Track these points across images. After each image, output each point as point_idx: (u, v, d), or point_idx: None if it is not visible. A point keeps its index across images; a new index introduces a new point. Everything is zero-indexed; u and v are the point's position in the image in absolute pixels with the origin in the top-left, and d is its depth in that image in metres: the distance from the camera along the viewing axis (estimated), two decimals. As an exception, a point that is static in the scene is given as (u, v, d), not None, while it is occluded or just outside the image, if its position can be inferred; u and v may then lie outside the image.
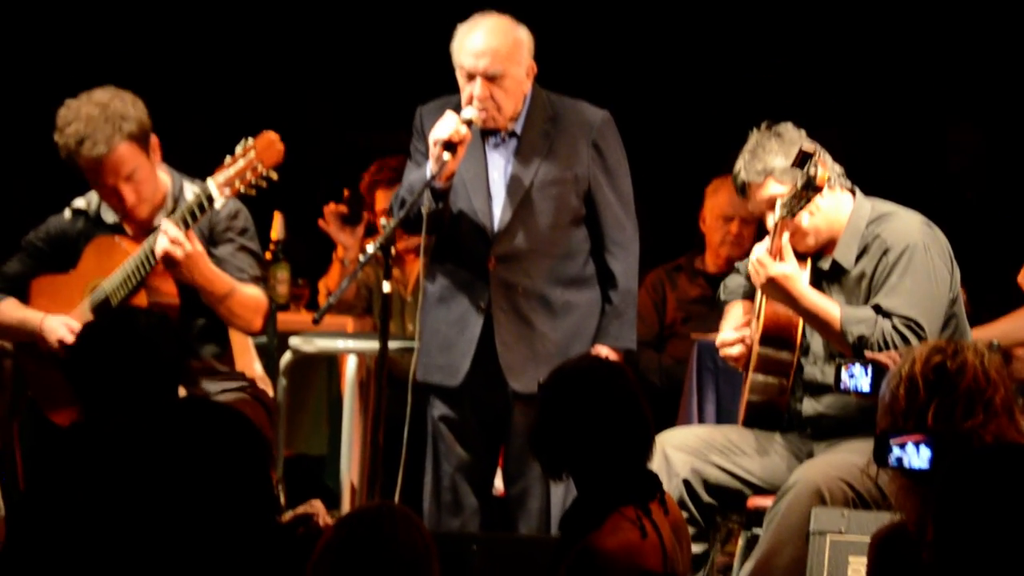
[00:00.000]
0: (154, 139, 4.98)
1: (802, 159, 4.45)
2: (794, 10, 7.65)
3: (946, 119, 7.56)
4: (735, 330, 4.87)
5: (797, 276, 4.57)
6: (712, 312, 5.98)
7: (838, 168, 4.74)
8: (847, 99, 7.62)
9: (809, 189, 4.43)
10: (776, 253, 4.56)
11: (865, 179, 4.88)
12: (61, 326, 4.92)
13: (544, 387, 3.73)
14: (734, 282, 5.02)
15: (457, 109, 5.03)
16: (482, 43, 4.98)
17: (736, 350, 4.84)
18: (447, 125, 4.89)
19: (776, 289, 4.58)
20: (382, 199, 6.68)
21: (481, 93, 4.96)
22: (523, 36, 5.05)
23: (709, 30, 7.76)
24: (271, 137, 4.80)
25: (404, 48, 7.56)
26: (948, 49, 7.44)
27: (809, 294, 4.59)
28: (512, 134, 5.11)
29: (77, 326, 4.88)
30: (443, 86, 5.11)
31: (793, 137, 4.68)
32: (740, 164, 4.74)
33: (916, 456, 3.04)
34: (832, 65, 7.65)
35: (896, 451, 3.06)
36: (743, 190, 4.76)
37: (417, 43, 5.43)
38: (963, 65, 7.43)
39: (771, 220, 4.65)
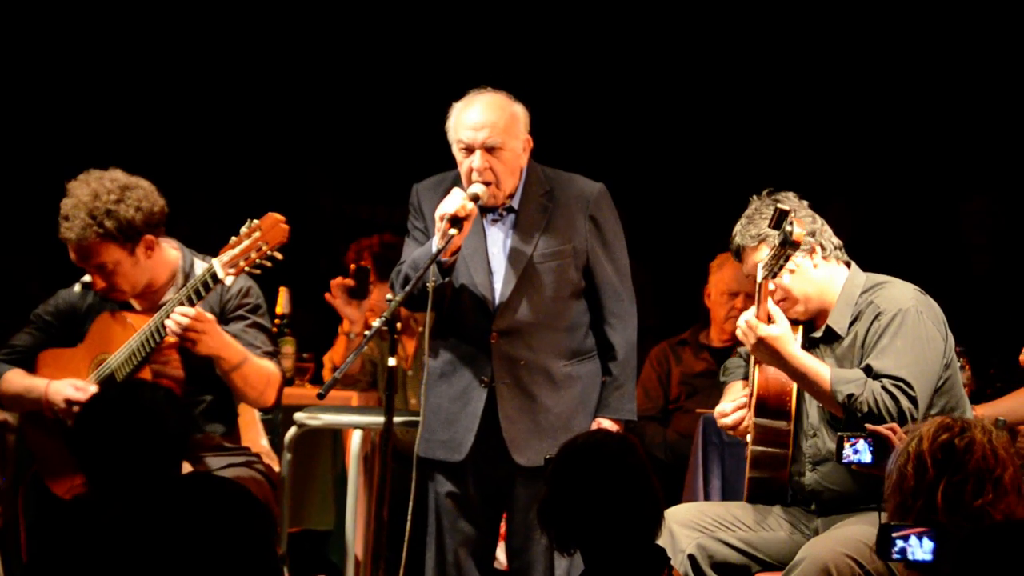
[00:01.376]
0: (148, 238, 5.00)
1: (779, 218, 4.49)
2: (803, 83, 7.69)
3: (959, 192, 7.58)
4: (732, 401, 4.89)
5: (787, 337, 4.58)
6: (717, 387, 5.98)
7: (836, 241, 4.78)
8: (856, 173, 7.65)
9: (787, 246, 4.46)
10: (765, 317, 4.58)
11: (875, 252, 4.90)
12: (67, 386, 4.94)
13: (555, 461, 3.73)
14: (734, 363, 5.06)
15: (452, 186, 5.07)
16: (480, 117, 5.02)
17: (732, 419, 4.85)
18: (453, 201, 4.92)
19: (765, 350, 4.59)
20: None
21: (480, 164, 5.00)
22: (519, 111, 5.10)
23: (717, 105, 7.80)
24: (276, 218, 4.83)
25: (408, 122, 7.60)
26: (962, 122, 7.48)
27: (799, 355, 4.60)
28: (510, 209, 5.13)
29: (83, 385, 4.90)
30: (445, 161, 5.14)
31: (792, 205, 4.71)
32: (737, 229, 4.79)
33: (919, 548, 3.04)
34: (843, 138, 7.69)
35: (899, 544, 3.05)
36: (738, 254, 4.81)
37: (420, 117, 5.45)
38: (977, 138, 7.46)
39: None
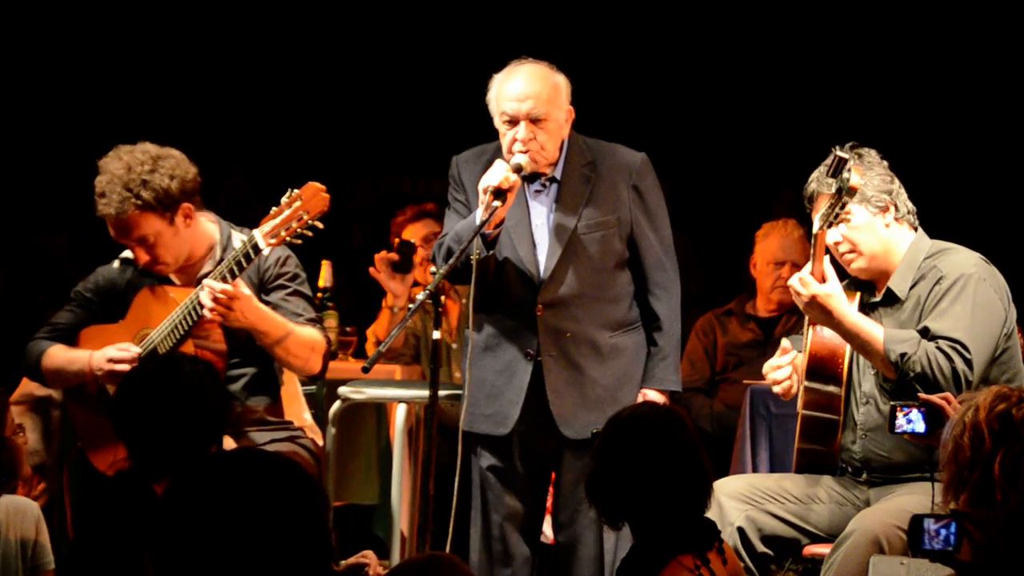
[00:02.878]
0: (185, 206, 4.98)
1: (837, 165, 4.43)
2: (856, 50, 7.62)
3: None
4: (780, 356, 4.83)
5: (839, 295, 4.53)
6: (763, 357, 5.93)
7: (911, 206, 4.72)
8: (913, 144, 7.57)
9: (842, 194, 4.41)
10: (820, 275, 4.53)
11: (935, 224, 4.85)
12: (111, 348, 4.93)
13: (602, 435, 3.70)
14: (796, 337, 5.00)
15: (492, 158, 5.05)
16: (523, 88, 4.99)
17: (782, 373, 4.79)
18: (497, 172, 4.89)
19: (817, 308, 4.54)
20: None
21: (525, 135, 4.97)
22: (561, 81, 5.06)
23: (763, 73, 7.74)
24: (316, 187, 4.80)
25: (448, 93, 7.57)
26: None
27: (851, 314, 4.55)
28: (552, 180, 5.10)
29: (126, 346, 4.90)
30: (486, 132, 5.11)
31: (874, 161, 4.66)
32: (815, 174, 4.71)
33: (939, 539, 2.99)
34: (897, 108, 7.61)
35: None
36: (810, 199, 4.73)
37: (460, 88, 5.42)
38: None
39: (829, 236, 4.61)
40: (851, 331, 4.55)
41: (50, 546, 4.68)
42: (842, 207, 4.47)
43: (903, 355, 4.47)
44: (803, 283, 4.54)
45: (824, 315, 4.56)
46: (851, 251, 4.66)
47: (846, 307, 4.55)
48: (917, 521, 3.01)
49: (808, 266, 4.58)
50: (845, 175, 4.40)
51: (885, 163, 4.71)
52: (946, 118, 7.58)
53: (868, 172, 4.61)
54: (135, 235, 4.95)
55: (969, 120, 7.55)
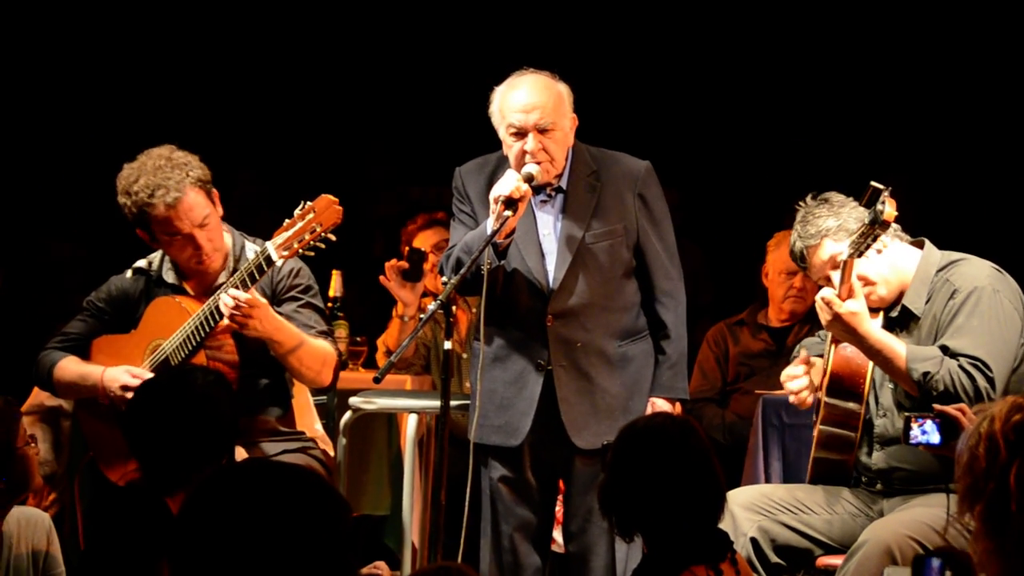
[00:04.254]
0: (215, 192, 5.00)
1: (872, 195, 4.42)
2: (863, 53, 7.60)
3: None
4: (798, 364, 4.81)
5: (864, 313, 4.52)
6: (775, 367, 5.92)
7: (895, 224, 4.71)
8: (921, 147, 7.56)
9: (876, 225, 4.40)
10: (846, 294, 4.52)
11: (943, 228, 4.84)
12: (123, 373, 4.92)
13: (615, 446, 3.69)
14: (811, 341, 5.01)
15: (496, 168, 5.05)
16: (529, 98, 4.99)
17: (799, 384, 4.77)
18: (508, 182, 4.88)
19: (842, 326, 4.53)
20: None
21: (534, 146, 4.96)
22: (564, 90, 5.07)
23: (774, 81, 7.73)
24: (330, 199, 4.80)
25: (457, 104, 7.57)
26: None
27: (875, 332, 4.54)
28: (558, 190, 5.10)
29: (139, 372, 4.88)
30: (495, 139, 5.10)
31: (840, 200, 4.70)
32: (794, 235, 4.77)
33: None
34: (906, 111, 7.59)
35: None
36: (801, 258, 4.78)
37: (467, 97, 5.41)
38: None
39: (835, 277, 4.61)
40: (874, 348, 4.54)
41: (61, 557, 4.68)
42: (874, 238, 4.45)
43: (926, 374, 4.46)
44: (827, 303, 4.53)
45: (848, 332, 4.54)
46: (865, 284, 4.65)
47: (870, 325, 4.53)
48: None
49: (835, 288, 4.57)
50: (879, 207, 4.37)
51: (850, 198, 4.69)
52: (957, 123, 7.56)
53: (840, 211, 4.64)
54: (195, 218, 4.93)
55: (979, 124, 7.53)
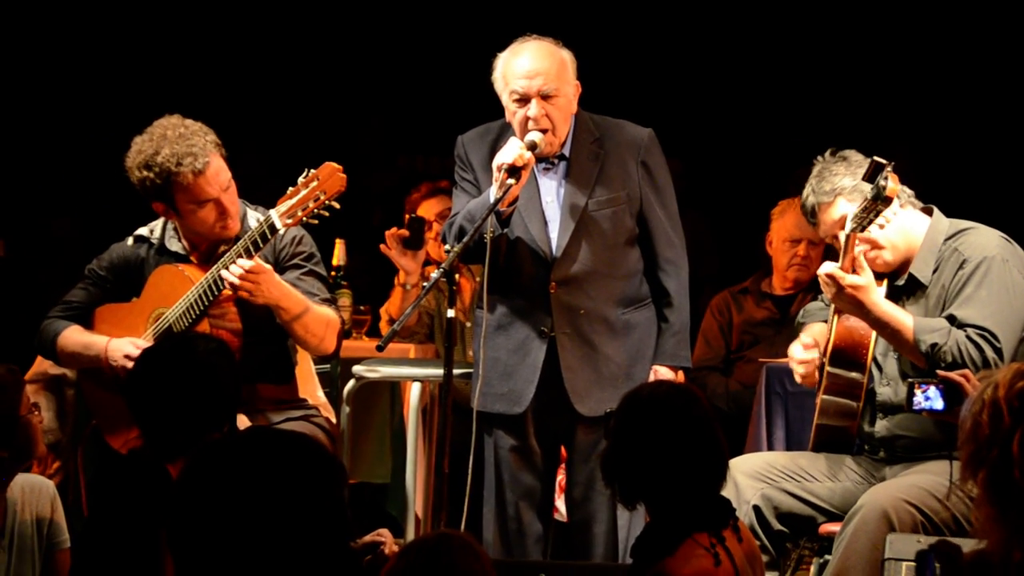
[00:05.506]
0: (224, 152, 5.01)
1: (874, 171, 4.39)
2: (867, 20, 7.57)
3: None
4: (806, 348, 4.81)
5: (870, 287, 4.50)
6: (779, 335, 5.93)
7: (908, 190, 4.69)
8: (923, 114, 7.53)
9: (879, 201, 4.37)
10: (849, 267, 4.50)
11: (952, 198, 4.82)
12: (128, 344, 4.91)
13: (617, 415, 3.68)
14: (815, 306, 4.99)
15: (498, 136, 5.04)
16: (532, 65, 4.98)
17: (804, 368, 4.78)
18: (511, 150, 4.87)
19: (848, 300, 4.51)
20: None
21: (537, 112, 4.96)
22: (567, 56, 5.06)
23: (778, 49, 7.70)
24: (333, 167, 4.78)
25: (459, 72, 7.55)
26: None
27: (882, 304, 4.52)
28: (561, 157, 5.09)
29: (142, 343, 4.88)
30: (497, 109, 5.09)
31: (859, 159, 4.65)
32: (808, 189, 4.72)
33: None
34: (907, 79, 7.57)
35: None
36: (812, 213, 4.73)
37: (470, 66, 5.40)
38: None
39: (842, 238, 4.60)
40: (881, 320, 4.52)
41: (65, 524, 4.69)
42: (876, 213, 4.43)
43: (934, 345, 4.45)
44: (833, 277, 4.51)
45: (854, 306, 4.53)
46: (872, 248, 4.63)
47: (876, 297, 4.52)
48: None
49: (839, 262, 4.55)
50: (882, 182, 4.35)
51: (873, 157, 4.67)
52: (960, 90, 7.54)
53: (858, 171, 4.56)
54: (223, 182, 4.92)
55: (983, 91, 7.50)
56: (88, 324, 5.08)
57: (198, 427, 4.06)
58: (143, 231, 5.14)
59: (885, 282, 4.68)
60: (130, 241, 5.15)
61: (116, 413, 4.92)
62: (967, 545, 3.25)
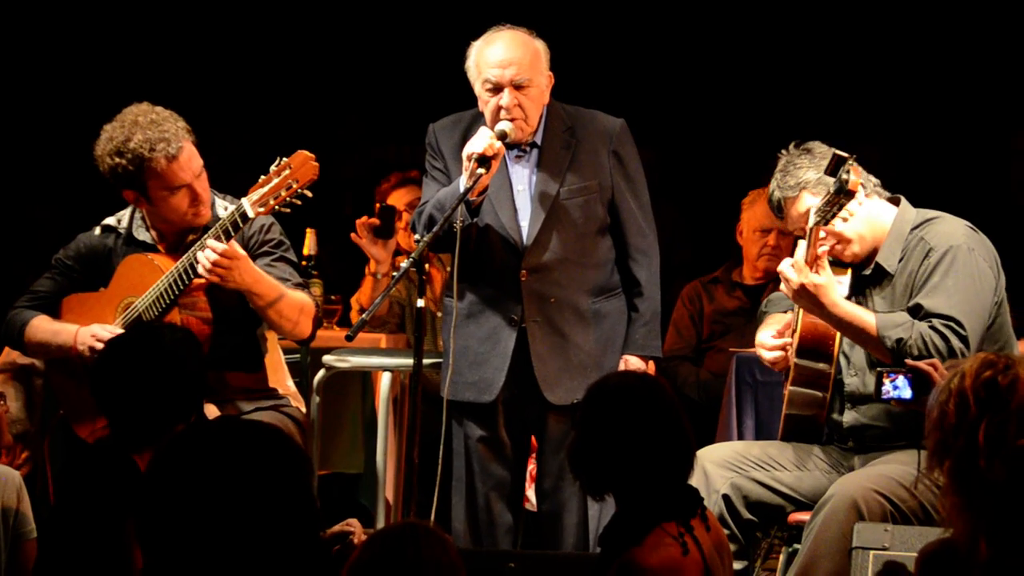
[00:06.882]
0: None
1: (836, 164, 4.39)
2: (837, 13, 7.58)
3: (1010, 127, 7.46)
4: (773, 336, 4.82)
5: (829, 286, 4.49)
6: (749, 325, 5.92)
7: (874, 180, 4.69)
8: (893, 109, 7.54)
9: (841, 195, 4.37)
10: (811, 262, 4.50)
11: (920, 190, 4.82)
12: (99, 328, 4.88)
13: (583, 405, 3.68)
14: (778, 296, 4.98)
15: (470, 125, 5.04)
16: (505, 54, 4.98)
17: (772, 356, 4.79)
18: (481, 139, 4.87)
19: (807, 298, 4.51)
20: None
21: (509, 102, 4.97)
22: (540, 46, 5.07)
23: (748, 40, 7.70)
24: (306, 155, 4.77)
25: (431, 62, 7.54)
26: (1011, 57, 7.35)
27: (841, 303, 4.51)
28: (533, 145, 5.09)
29: (112, 330, 4.85)
30: (470, 99, 5.08)
31: (823, 151, 4.64)
32: (773, 184, 4.72)
33: None
34: (878, 72, 7.58)
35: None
36: (779, 208, 4.73)
37: (443, 55, 5.39)
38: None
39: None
40: (842, 320, 4.52)
41: (32, 515, 4.66)
42: (840, 207, 4.43)
43: (899, 340, 4.45)
44: (795, 268, 4.51)
45: (813, 304, 4.52)
46: (838, 241, 4.63)
47: (836, 297, 4.51)
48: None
49: (798, 253, 4.55)
50: (844, 176, 4.34)
51: (832, 149, 4.65)
52: (931, 80, 7.55)
53: (822, 164, 4.53)
54: (195, 167, 4.90)
55: (953, 81, 7.51)
56: (55, 314, 5.05)
57: (164, 417, 4.05)
58: (110, 220, 5.11)
59: (849, 271, 4.68)
60: (97, 231, 5.11)
61: (83, 403, 4.90)
62: (934, 534, 3.26)
